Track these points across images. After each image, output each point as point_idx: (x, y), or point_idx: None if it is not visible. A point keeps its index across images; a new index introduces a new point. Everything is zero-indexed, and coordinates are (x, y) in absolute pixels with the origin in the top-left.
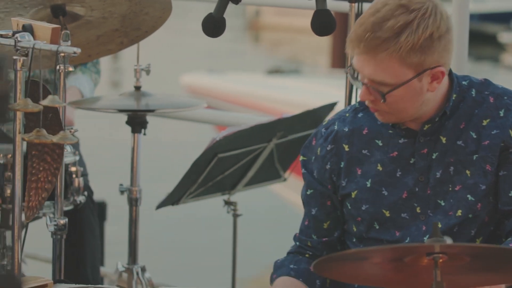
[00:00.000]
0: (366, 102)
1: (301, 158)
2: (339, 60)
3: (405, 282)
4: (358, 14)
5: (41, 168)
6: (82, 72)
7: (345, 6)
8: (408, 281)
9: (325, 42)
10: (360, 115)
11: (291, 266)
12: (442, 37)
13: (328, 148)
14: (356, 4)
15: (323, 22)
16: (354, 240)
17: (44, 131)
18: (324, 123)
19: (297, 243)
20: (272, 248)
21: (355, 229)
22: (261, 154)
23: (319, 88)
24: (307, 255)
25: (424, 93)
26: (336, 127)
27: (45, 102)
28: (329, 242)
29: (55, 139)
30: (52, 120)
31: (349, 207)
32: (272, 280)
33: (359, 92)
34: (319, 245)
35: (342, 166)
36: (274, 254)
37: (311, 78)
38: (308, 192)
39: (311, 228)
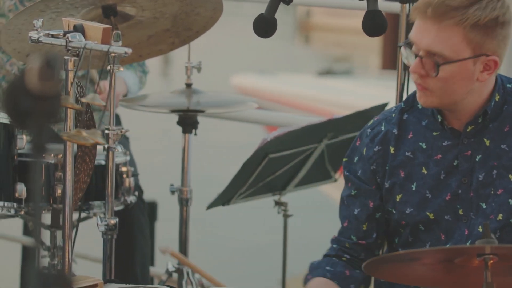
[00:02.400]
0: (414, 79)
1: (344, 159)
2: (390, 61)
3: (455, 283)
4: (409, 15)
5: (82, 169)
6: (126, 68)
7: (396, 7)
8: (458, 282)
9: (376, 42)
10: (405, 116)
11: (327, 268)
12: (505, 25)
13: (375, 149)
14: (407, 4)
15: (375, 23)
16: (397, 242)
17: (83, 132)
18: (369, 124)
19: (335, 245)
20: (321, 248)
21: (401, 231)
22: (311, 154)
23: (369, 89)
24: (344, 259)
25: (474, 81)
26: (383, 128)
27: (87, 99)
28: (367, 245)
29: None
30: (88, 120)
31: (393, 211)
32: (306, 281)
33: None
34: (357, 247)
35: (387, 168)
36: (323, 251)
37: (362, 79)
38: (353, 193)
39: (351, 229)
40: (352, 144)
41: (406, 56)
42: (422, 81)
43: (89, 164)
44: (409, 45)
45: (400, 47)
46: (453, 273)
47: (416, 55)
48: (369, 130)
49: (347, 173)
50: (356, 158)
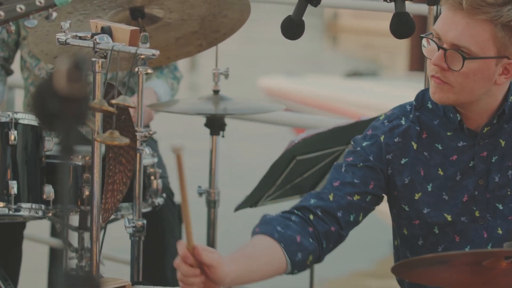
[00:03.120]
0: (433, 72)
1: (352, 143)
2: (417, 62)
3: (483, 285)
4: (436, 17)
5: (116, 170)
6: (157, 77)
7: (423, 9)
8: (485, 284)
9: (404, 44)
10: (417, 114)
11: (278, 228)
12: None
13: (395, 140)
14: (435, 6)
15: (402, 25)
16: (399, 241)
17: (117, 133)
18: (381, 117)
19: (313, 199)
20: (348, 250)
21: (405, 232)
22: (339, 156)
23: (397, 91)
24: (311, 216)
25: (492, 82)
26: (403, 122)
27: (117, 100)
28: (352, 205)
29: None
30: (125, 121)
31: (406, 208)
32: (253, 233)
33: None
34: (341, 200)
35: (403, 162)
36: (350, 255)
37: (389, 81)
38: (359, 165)
39: (341, 189)
40: (362, 135)
41: (427, 48)
42: (442, 75)
43: (127, 165)
44: (432, 37)
45: (423, 38)
46: (481, 276)
47: (439, 48)
48: (386, 122)
49: (359, 148)
50: (366, 143)
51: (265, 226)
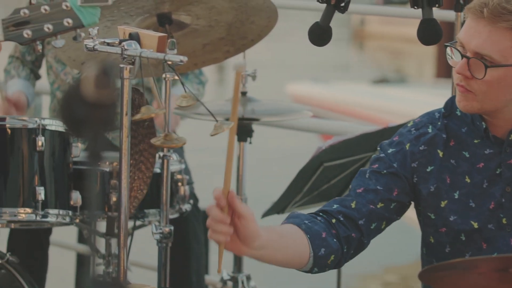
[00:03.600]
0: (458, 80)
1: (378, 149)
2: (444, 69)
3: None
4: (463, 23)
5: (135, 177)
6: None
7: (451, 15)
8: None
9: (431, 51)
10: (445, 122)
11: (305, 221)
12: None
13: (420, 148)
14: (462, 13)
15: (430, 32)
16: (425, 250)
17: (172, 135)
18: (410, 124)
19: (336, 204)
20: (374, 253)
21: (432, 240)
22: (366, 163)
23: (424, 98)
24: (333, 220)
25: None
26: (430, 130)
27: (141, 115)
28: (375, 213)
29: (159, 142)
30: (148, 128)
31: (432, 216)
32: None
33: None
34: (363, 208)
35: (429, 170)
36: (378, 257)
37: (417, 87)
38: (383, 171)
39: (364, 197)
40: (388, 141)
41: (451, 56)
42: (466, 83)
43: (146, 173)
44: (456, 45)
45: (447, 47)
46: (509, 283)
47: (463, 56)
48: (413, 130)
49: (383, 155)
50: (392, 150)
51: (293, 219)
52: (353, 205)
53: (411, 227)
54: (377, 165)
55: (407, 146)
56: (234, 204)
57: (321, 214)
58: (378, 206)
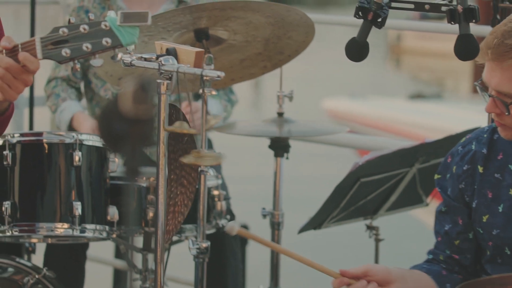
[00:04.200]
0: (492, 115)
1: (436, 176)
2: None
3: None
4: None
5: (178, 192)
6: (212, 97)
7: (487, 31)
8: None
9: (467, 66)
10: (495, 136)
11: (424, 265)
12: None
13: (464, 168)
14: None
15: (467, 47)
16: (488, 264)
17: (203, 152)
18: (461, 141)
19: (430, 256)
20: None
21: (488, 253)
22: (403, 178)
23: (460, 113)
24: (441, 264)
25: None
26: (473, 147)
27: (174, 127)
28: (461, 261)
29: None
30: (188, 143)
31: (481, 231)
32: None
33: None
34: (451, 260)
35: (475, 187)
36: None
37: (453, 102)
38: (443, 209)
39: (444, 244)
40: (443, 161)
41: (482, 95)
42: (499, 118)
43: (189, 187)
44: (482, 85)
45: (476, 86)
46: None
47: (489, 95)
48: (460, 148)
49: (439, 190)
50: (447, 175)
51: (412, 267)
52: (441, 258)
53: None
54: (441, 200)
55: (454, 169)
56: (352, 274)
57: (429, 260)
58: (457, 244)
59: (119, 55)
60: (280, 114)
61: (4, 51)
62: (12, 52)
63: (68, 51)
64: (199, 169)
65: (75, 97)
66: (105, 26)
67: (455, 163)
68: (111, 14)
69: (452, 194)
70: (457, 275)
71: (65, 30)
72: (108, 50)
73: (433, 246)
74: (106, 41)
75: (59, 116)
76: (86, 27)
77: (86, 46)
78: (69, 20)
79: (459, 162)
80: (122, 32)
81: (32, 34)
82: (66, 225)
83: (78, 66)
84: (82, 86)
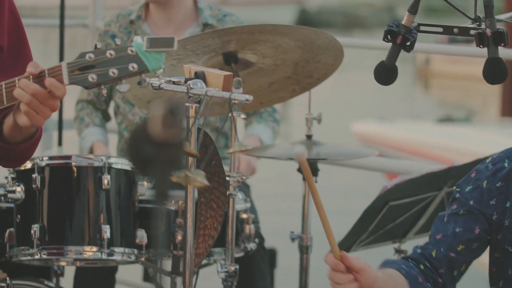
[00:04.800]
0: None
1: (455, 188)
2: (509, 108)
3: None
4: None
5: (208, 215)
6: (258, 122)
7: None
8: None
9: (496, 90)
10: None
11: (403, 266)
12: None
13: (497, 185)
14: None
15: (495, 70)
16: (501, 284)
17: (192, 175)
18: (487, 160)
19: (418, 250)
20: None
21: (510, 272)
22: (432, 202)
23: (489, 137)
24: (421, 266)
25: None
26: (506, 164)
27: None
28: (455, 261)
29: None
30: (216, 166)
31: (510, 250)
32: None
33: None
34: (443, 258)
35: (507, 205)
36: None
37: (482, 126)
38: (461, 212)
39: (443, 243)
40: (465, 176)
41: None
42: None
43: (218, 211)
44: None
45: None
46: None
47: None
48: (490, 165)
49: (459, 195)
50: (469, 188)
51: (390, 264)
52: (433, 254)
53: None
54: (455, 206)
55: (484, 184)
56: (350, 263)
57: (410, 260)
58: (459, 249)
59: (146, 80)
60: (309, 137)
61: (30, 77)
62: (39, 77)
63: (94, 76)
64: (228, 192)
65: (99, 122)
66: (132, 51)
67: (485, 178)
68: (137, 39)
69: (477, 205)
70: (431, 285)
71: (92, 55)
72: (134, 76)
73: (424, 243)
74: (133, 66)
75: (81, 143)
76: (112, 52)
77: (113, 71)
78: (96, 45)
79: (490, 178)
80: (149, 58)
81: (61, 57)
82: (94, 248)
83: (104, 91)
84: (110, 108)
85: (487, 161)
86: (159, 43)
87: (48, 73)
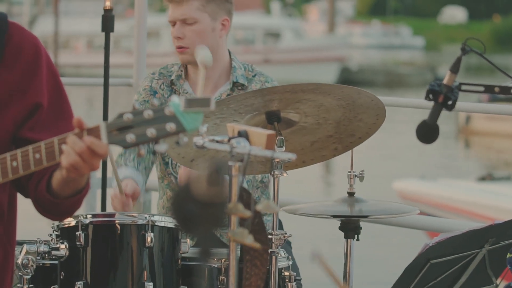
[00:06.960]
0: None
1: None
2: None
3: None
4: None
5: (252, 273)
6: None
7: None
8: None
9: None
10: None
11: None
12: None
13: None
14: None
15: None
16: None
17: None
18: None
19: None
20: None
21: None
22: (473, 260)
23: None
24: None
25: None
26: None
27: (260, 207)
28: None
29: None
30: (258, 225)
31: None
32: None
33: None
34: None
35: None
36: None
37: None
38: None
39: None
40: None
41: None
42: None
43: (261, 268)
44: None
45: None
46: None
47: None
48: None
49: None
50: None
51: None
52: None
53: None
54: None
55: None
56: None
57: None
58: None
59: (184, 140)
60: (351, 194)
61: (76, 129)
62: (78, 136)
63: (133, 137)
64: (270, 250)
65: (133, 165)
66: (169, 112)
67: None
68: (174, 99)
69: None
70: None
71: (130, 116)
72: (172, 136)
73: None
74: (170, 126)
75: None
76: (150, 113)
77: (151, 132)
78: (134, 106)
79: None
80: (186, 118)
81: (105, 116)
82: None
83: (143, 151)
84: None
85: None
86: (196, 103)
87: (88, 133)
